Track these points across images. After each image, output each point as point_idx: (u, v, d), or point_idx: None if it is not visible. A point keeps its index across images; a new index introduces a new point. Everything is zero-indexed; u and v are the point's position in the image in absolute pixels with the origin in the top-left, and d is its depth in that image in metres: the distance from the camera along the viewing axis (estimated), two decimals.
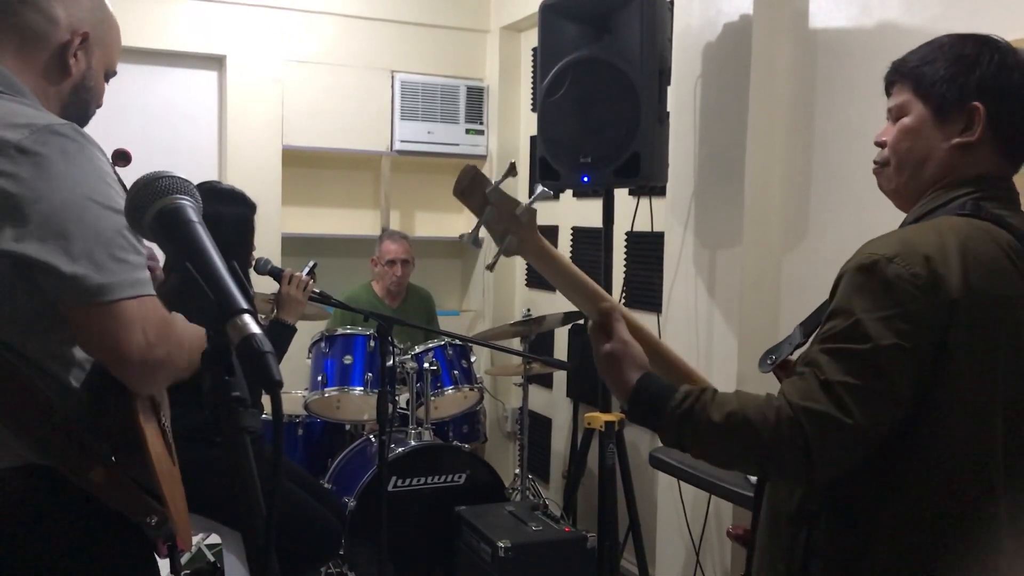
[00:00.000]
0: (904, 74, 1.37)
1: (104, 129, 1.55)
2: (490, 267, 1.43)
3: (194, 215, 0.98)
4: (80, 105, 1.46)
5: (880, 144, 1.40)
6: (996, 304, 1.22)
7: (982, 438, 1.22)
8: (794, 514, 1.31)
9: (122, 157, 1.38)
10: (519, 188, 5.06)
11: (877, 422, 1.18)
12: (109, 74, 1.52)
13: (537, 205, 1.39)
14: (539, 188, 1.38)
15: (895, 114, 1.38)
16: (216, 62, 4.66)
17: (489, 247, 5.14)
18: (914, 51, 1.38)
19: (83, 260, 1.20)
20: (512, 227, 1.35)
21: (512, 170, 1.36)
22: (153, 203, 1.00)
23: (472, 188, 1.34)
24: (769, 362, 1.54)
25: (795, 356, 1.51)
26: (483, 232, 1.40)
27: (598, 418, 3.05)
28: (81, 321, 1.23)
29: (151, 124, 4.45)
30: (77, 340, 1.28)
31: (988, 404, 1.22)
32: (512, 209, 1.35)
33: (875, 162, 1.41)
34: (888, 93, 1.41)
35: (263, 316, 3.03)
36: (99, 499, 1.29)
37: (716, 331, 3.04)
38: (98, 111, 1.52)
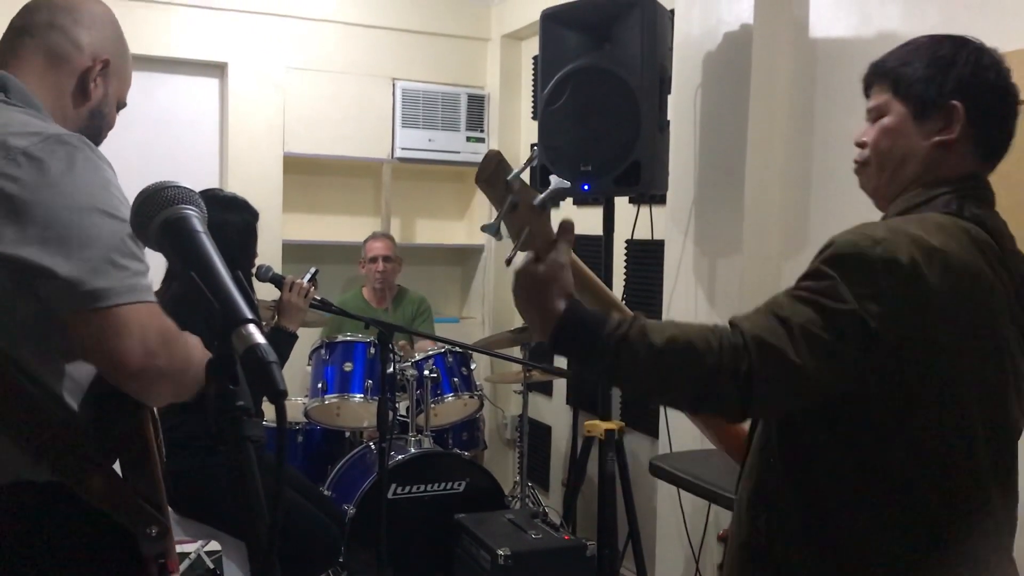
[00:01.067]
0: (883, 74, 1.38)
1: (107, 136, 1.57)
2: (508, 260, 1.38)
3: (199, 225, 0.99)
4: (93, 131, 1.48)
5: (860, 144, 1.41)
6: (972, 306, 1.22)
7: (959, 440, 1.23)
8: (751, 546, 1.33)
9: None
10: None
11: (821, 375, 1.16)
12: (120, 105, 1.55)
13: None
14: (554, 179, 1.35)
15: (875, 114, 1.39)
16: (217, 69, 4.67)
17: (497, 248, 5.15)
18: (892, 52, 1.39)
19: (81, 264, 1.20)
20: (529, 220, 1.32)
21: (533, 157, 1.36)
22: (158, 213, 1.00)
23: (496, 176, 1.30)
24: None
25: None
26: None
27: (598, 426, 3.05)
28: (78, 327, 1.22)
29: (153, 131, 4.47)
30: (76, 347, 1.28)
31: (967, 405, 1.23)
32: (531, 200, 1.31)
33: (855, 161, 1.43)
34: (867, 94, 1.42)
35: (264, 323, 3.03)
36: (98, 509, 1.28)
37: None
38: None
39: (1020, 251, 1.36)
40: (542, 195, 1.31)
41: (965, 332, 1.22)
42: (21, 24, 1.45)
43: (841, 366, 1.18)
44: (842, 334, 1.16)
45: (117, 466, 1.34)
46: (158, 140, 4.49)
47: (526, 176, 1.36)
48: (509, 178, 1.29)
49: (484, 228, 1.36)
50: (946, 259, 1.20)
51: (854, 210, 2.65)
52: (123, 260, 1.23)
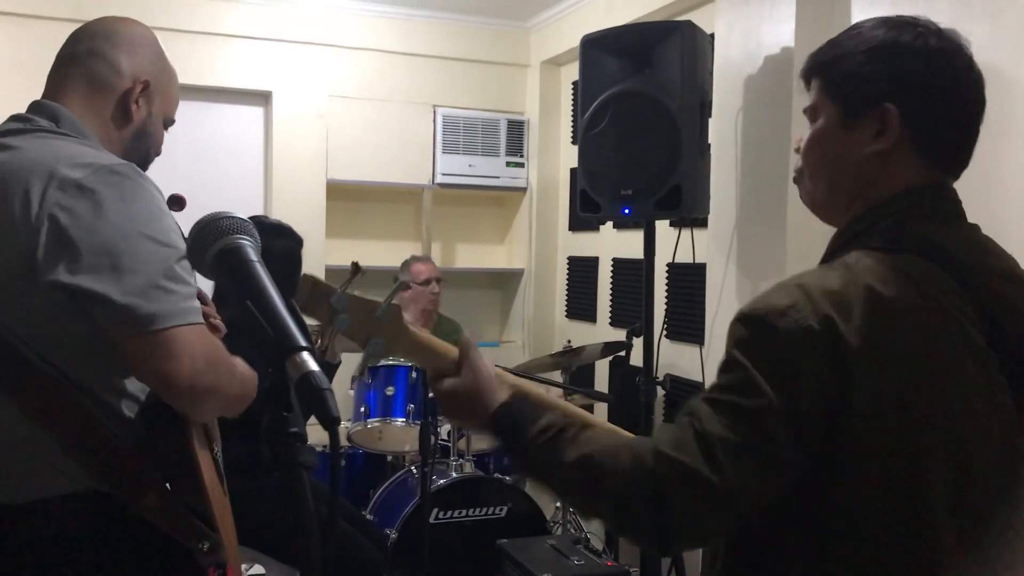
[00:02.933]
0: (817, 69, 1.20)
1: (154, 163, 1.61)
2: (360, 374, 1.37)
3: (253, 254, 1.01)
4: (141, 150, 1.53)
5: (797, 150, 1.24)
6: (904, 360, 1.05)
7: (906, 500, 1.05)
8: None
9: (176, 202, 1.44)
10: (559, 220, 5.09)
11: (751, 485, 1.03)
12: (168, 122, 1.60)
13: (399, 296, 1.26)
14: (395, 283, 1.26)
15: (810, 115, 1.22)
16: (262, 98, 4.76)
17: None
18: (831, 40, 1.20)
19: (133, 291, 1.25)
20: (375, 330, 1.23)
21: (357, 269, 1.26)
22: (214, 243, 1.03)
23: (315, 300, 1.22)
24: None
25: None
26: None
27: None
28: (131, 349, 1.28)
29: (199, 158, 4.56)
30: (128, 368, 1.33)
31: (909, 463, 1.05)
32: (371, 311, 1.23)
33: (794, 170, 1.25)
34: (808, 89, 1.24)
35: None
36: (153, 525, 1.32)
37: None
38: None
39: (1002, 266, 1.16)
40: (382, 305, 1.22)
41: (904, 383, 1.05)
42: (65, 55, 1.51)
43: (774, 464, 1.03)
44: (763, 433, 1.02)
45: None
46: (204, 167, 4.58)
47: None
48: (333, 300, 1.20)
49: (314, 352, 1.21)
50: (869, 310, 1.04)
51: None
52: (171, 285, 1.28)
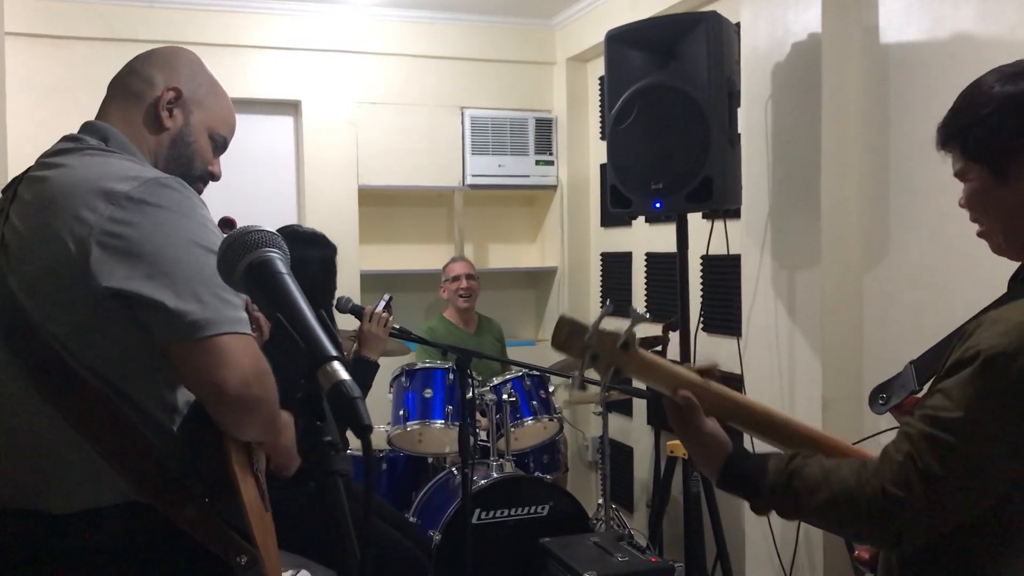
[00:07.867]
0: (951, 137, 1.32)
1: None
2: (600, 403, 1.42)
3: (282, 267, 1.03)
4: (181, 161, 1.56)
5: (963, 206, 1.36)
6: None
7: None
8: (908, 557, 1.30)
9: (227, 224, 1.46)
10: (591, 217, 5.08)
11: (967, 509, 1.18)
12: (216, 138, 1.62)
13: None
14: (634, 312, 1.35)
15: (959, 177, 1.34)
16: (292, 107, 4.81)
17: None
18: (958, 107, 1.32)
19: (187, 297, 1.27)
20: (615, 359, 1.34)
21: (608, 308, 1.36)
22: (243, 257, 1.04)
23: (571, 339, 1.33)
24: (880, 402, 1.51)
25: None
26: None
27: (680, 446, 3.02)
28: (183, 355, 1.29)
29: (231, 169, 4.56)
30: (178, 375, 1.34)
31: None
32: (613, 344, 1.33)
33: (979, 228, 1.36)
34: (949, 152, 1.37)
35: (346, 353, 3.09)
36: (193, 537, 1.33)
37: (798, 354, 2.99)
38: None
39: None
40: (623, 336, 1.32)
41: None
42: (112, 81, 1.58)
43: (988, 495, 1.18)
44: (979, 472, 1.16)
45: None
46: (237, 178, 4.60)
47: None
48: (587, 338, 1.32)
49: (569, 387, 1.37)
50: None
51: (935, 216, 2.60)
52: (224, 293, 1.30)
